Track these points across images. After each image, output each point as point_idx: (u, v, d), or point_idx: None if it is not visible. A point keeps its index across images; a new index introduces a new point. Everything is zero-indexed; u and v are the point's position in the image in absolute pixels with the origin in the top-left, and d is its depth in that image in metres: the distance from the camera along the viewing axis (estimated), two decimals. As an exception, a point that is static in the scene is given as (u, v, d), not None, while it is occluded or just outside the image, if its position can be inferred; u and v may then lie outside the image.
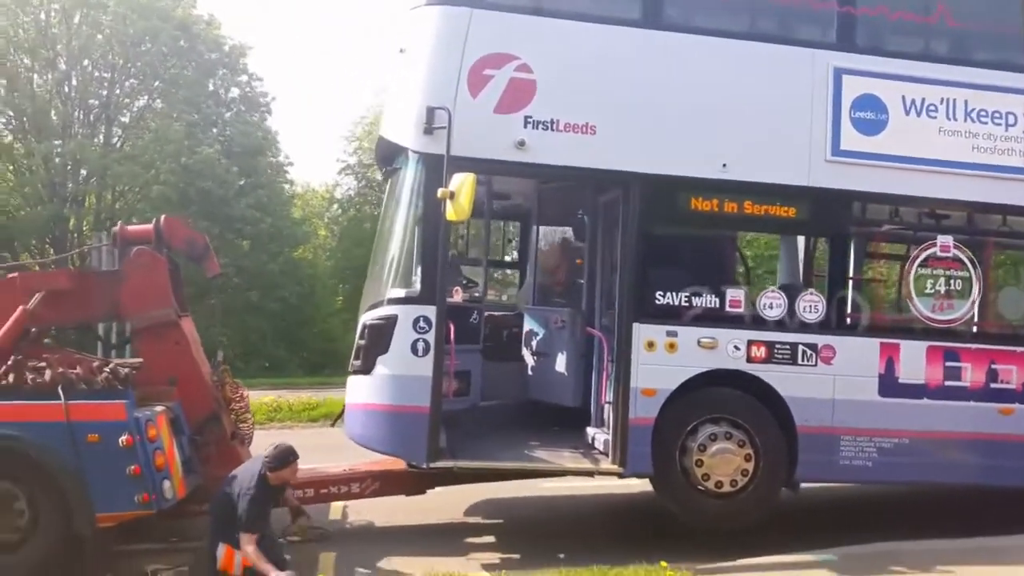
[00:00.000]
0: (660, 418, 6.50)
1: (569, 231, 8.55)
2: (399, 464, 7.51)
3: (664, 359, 6.52)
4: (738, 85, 6.69)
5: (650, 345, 6.52)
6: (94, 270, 8.04)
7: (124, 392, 6.06)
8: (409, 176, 6.54)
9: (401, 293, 6.45)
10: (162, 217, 7.38)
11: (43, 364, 6.09)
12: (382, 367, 6.33)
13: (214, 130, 26.79)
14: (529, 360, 8.04)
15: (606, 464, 6.65)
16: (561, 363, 7.63)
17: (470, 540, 7.27)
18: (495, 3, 6.44)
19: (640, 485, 7.50)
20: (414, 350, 6.27)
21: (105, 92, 25.89)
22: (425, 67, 6.45)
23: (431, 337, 6.28)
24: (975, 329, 7.11)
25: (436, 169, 6.17)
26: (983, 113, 6.91)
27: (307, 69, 56.42)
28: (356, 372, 6.55)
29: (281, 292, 26.23)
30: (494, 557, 6.71)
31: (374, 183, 30.67)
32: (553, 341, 7.76)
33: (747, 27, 6.84)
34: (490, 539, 7.36)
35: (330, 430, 9.33)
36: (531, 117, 6.40)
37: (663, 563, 5.85)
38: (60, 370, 6.06)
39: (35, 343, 6.78)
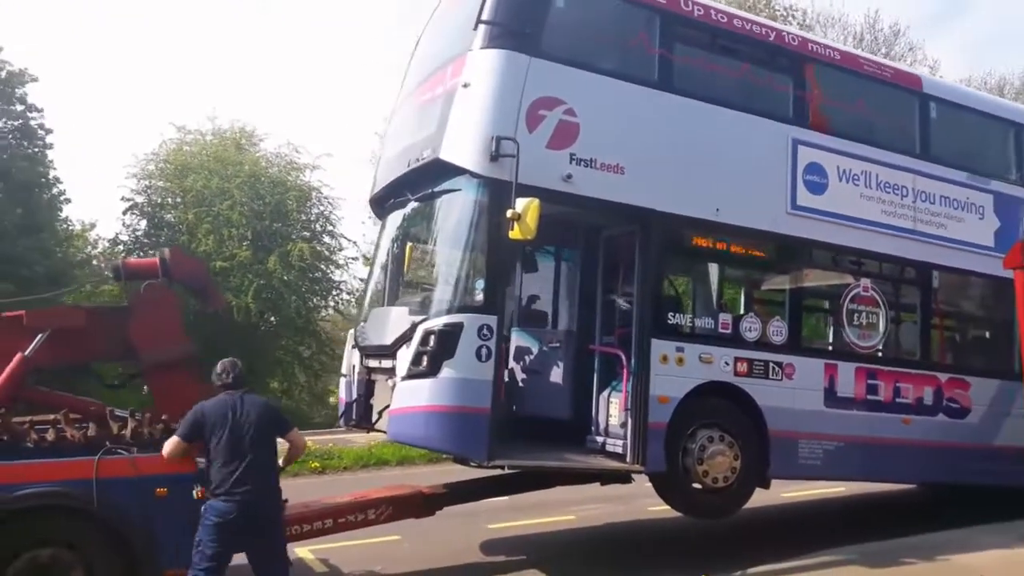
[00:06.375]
0: (669, 423, 7.49)
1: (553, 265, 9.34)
2: (403, 489, 8.01)
3: (675, 371, 7.55)
4: (727, 144, 8.06)
5: (664, 359, 7.51)
6: (102, 306, 7.63)
7: None
8: (470, 198, 7.12)
9: (466, 303, 6.91)
10: (166, 249, 7.27)
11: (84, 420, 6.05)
12: (449, 370, 6.69)
13: None
14: (519, 376, 8.67)
15: (629, 466, 7.46)
16: (557, 378, 8.38)
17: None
18: (549, 54, 7.29)
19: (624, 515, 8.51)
20: (478, 355, 6.75)
21: None
22: (491, 101, 7.10)
23: (492, 344, 6.80)
24: (886, 355, 8.91)
25: (498, 192, 6.86)
26: (887, 185, 8.89)
27: (94, 102, 51.77)
28: (415, 376, 6.82)
29: None
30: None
31: (164, 225, 29.01)
32: (546, 359, 8.50)
33: (733, 98, 8.23)
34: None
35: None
36: (575, 154, 7.27)
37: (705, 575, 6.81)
38: (130, 424, 6.04)
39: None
